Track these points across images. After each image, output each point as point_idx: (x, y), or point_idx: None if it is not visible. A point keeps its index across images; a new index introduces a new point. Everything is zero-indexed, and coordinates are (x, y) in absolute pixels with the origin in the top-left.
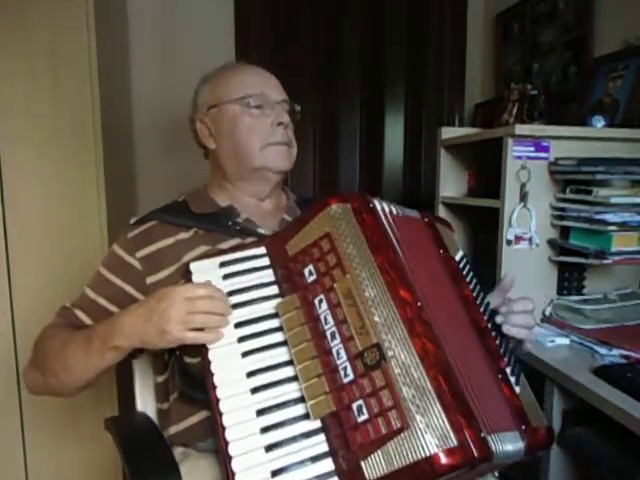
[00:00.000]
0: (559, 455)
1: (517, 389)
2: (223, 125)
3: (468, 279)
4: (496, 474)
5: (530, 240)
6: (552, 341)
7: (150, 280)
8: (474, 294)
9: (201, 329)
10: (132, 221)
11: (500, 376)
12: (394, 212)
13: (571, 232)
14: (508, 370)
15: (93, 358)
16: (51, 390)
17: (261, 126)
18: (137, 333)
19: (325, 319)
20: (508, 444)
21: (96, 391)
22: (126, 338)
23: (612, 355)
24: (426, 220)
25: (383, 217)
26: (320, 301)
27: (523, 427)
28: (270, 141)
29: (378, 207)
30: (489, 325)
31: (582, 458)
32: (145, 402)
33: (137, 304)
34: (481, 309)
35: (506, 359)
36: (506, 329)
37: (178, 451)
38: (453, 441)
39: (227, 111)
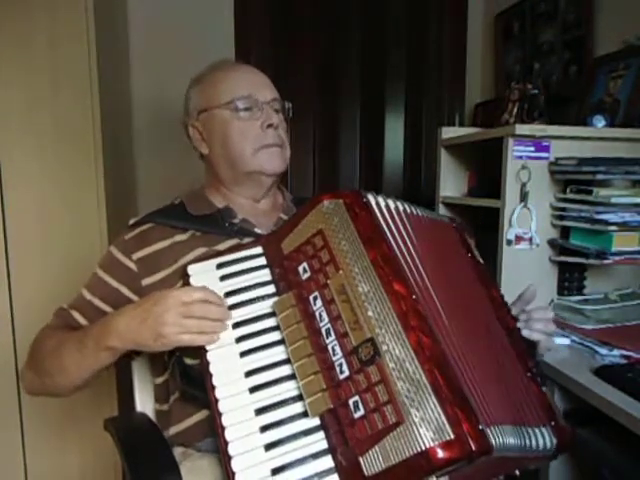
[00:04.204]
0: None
1: (543, 389)
2: (214, 130)
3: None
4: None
5: (530, 240)
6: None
7: (146, 282)
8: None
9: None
10: (131, 222)
11: (529, 374)
12: (409, 211)
13: (571, 232)
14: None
15: (87, 359)
16: (47, 391)
17: (251, 129)
18: (131, 335)
19: (320, 316)
20: (541, 438)
21: (95, 392)
22: (120, 339)
23: (612, 355)
24: (454, 225)
25: (379, 212)
26: (315, 298)
27: (552, 423)
28: (262, 144)
29: (373, 202)
30: (517, 326)
31: (582, 458)
32: (144, 402)
33: (132, 305)
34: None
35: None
36: (527, 333)
37: (178, 451)
38: (449, 434)
39: (217, 116)
